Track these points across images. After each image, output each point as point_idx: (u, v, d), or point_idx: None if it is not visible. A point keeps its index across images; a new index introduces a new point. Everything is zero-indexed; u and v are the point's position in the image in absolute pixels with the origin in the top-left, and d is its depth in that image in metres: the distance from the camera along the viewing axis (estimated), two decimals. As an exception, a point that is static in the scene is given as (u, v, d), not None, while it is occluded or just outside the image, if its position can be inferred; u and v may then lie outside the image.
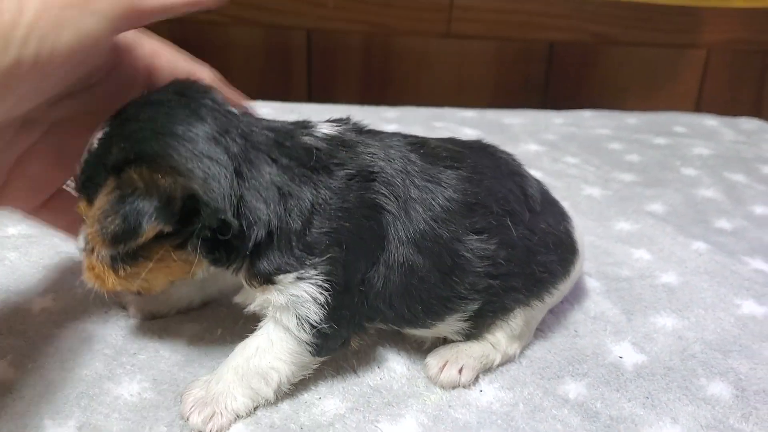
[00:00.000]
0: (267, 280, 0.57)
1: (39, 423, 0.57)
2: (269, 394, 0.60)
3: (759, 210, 1.08)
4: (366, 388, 0.65)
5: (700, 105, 1.78)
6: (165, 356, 0.66)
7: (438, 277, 0.62)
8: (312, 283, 0.57)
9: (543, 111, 1.46)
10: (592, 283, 0.83)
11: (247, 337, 0.62)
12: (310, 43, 1.64)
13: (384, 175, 0.60)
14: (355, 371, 0.66)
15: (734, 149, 1.33)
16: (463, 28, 1.64)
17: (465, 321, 0.66)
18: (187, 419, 0.58)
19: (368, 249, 0.59)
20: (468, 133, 1.30)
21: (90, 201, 0.53)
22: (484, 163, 0.67)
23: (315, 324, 0.58)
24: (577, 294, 0.81)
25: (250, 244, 0.55)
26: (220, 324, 0.71)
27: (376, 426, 0.60)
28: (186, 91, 0.57)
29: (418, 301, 0.62)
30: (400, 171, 0.61)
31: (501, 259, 0.63)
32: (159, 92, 0.57)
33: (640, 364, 0.71)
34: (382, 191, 0.60)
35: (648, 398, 0.66)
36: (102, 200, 0.50)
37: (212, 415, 0.58)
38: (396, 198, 0.60)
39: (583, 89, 1.74)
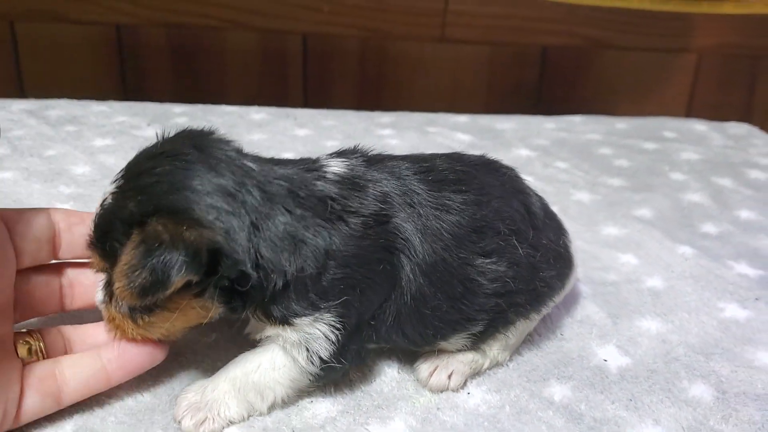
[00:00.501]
0: (282, 322, 0.58)
1: (36, 425, 0.58)
2: (263, 408, 0.62)
3: (745, 214, 1.10)
4: (357, 392, 0.66)
5: (691, 109, 1.80)
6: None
7: (449, 304, 0.63)
8: (325, 323, 0.59)
9: (535, 116, 1.48)
10: (579, 288, 0.85)
11: (240, 340, 0.64)
12: (305, 48, 1.66)
13: (396, 216, 0.61)
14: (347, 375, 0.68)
15: (722, 154, 1.35)
16: (457, 32, 1.66)
17: (468, 338, 0.68)
18: (180, 422, 0.60)
19: (381, 289, 0.61)
20: (461, 138, 1.31)
21: (105, 256, 0.55)
22: (490, 183, 0.68)
23: (324, 359, 0.60)
24: (565, 298, 0.82)
25: (268, 293, 0.56)
26: (215, 328, 0.72)
27: (365, 428, 0.62)
28: (202, 144, 0.57)
29: (430, 327, 0.64)
30: (410, 204, 0.62)
31: (508, 278, 0.65)
32: (173, 143, 0.57)
33: (624, 366, 0.73)
34: (395, 232, 0.61)
35: (631, 400, 0.68)
36: (129, 255, 0.50)
37: (204, 420, 0.59)
38: (408, 237, 0.61)
39: (575, 93, 1.76)
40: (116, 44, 1.60)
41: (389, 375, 0.69)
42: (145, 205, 0.53)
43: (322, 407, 0.64)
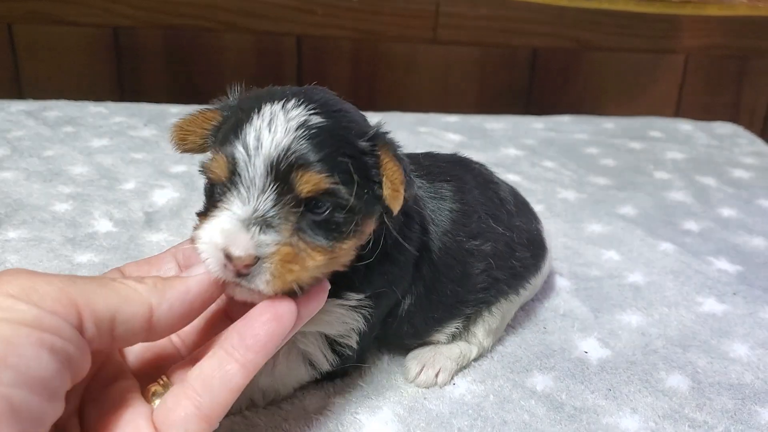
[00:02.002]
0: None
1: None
2: (260, 401, 0.65)
3: (726, 212, 1.13)
4: (347, 382, 0.69)
5: (679, 108, 1.83)
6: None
7: (451, 288, 0.69)
8: (361, 315, 0.62)
9: (524, 116, 1.51)
10: (562, 283, 0.88)
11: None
12: (300, 49, 1.68)
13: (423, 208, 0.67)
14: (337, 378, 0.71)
15: (707, 153, 1.38)
16: (448, 34, 1.69)
17: (459, 324, 0.73)
18: None
19: (407, 284, 0.66)
20: (451, 138, 1.34)
21: (331, 171, 0.52)
22: (465, 175, 0.74)
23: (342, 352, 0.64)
24: (548, 293, 0.86)
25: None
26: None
27: (355, 416, 0.65)
28: None
29: (436, 313, 0.69)
30: (424, 198, 0.68)
31: (491, 257, 0.71)
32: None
33: (604, 358, 0.76)
34: (422, 231, 0.66)
35: (610, 390, 0.71)
36: (396, 166, 0.55)
37: None
38: (427, 232, 0.66)
39: (565, 94, 1.79)
40: (113, 46, 1.63)
41: (379, 366, 0.72)
42: (361, 127, 0.56)
43: (315, 397, 0.67)
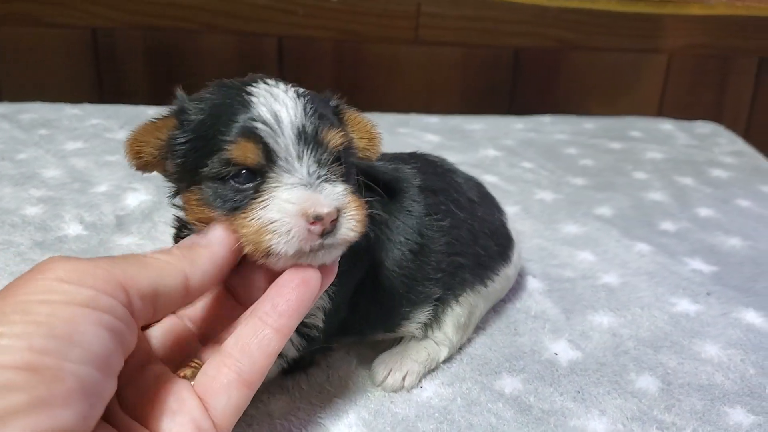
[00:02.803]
0: None
1: None
2: None
3: (704, 212, 1.13)
4: (313, 385, 0.69)
5: (662, 108, 1.83)
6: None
7: (411, 258, 0.69)
8: (325, 292, 0.62)
9: (504, 117, 1.51)
10: (535, 284, 0.88)
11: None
12: (281, 50, 1.68)
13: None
14: (304, 371, 0.70)
15: (686, 153, 1.38)
16: (430, 34, 1.69)
17: (427, 312, 0.72)
18: None
19: (367, 260, 0.67)
20: (430, 139, 1.34)
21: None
22: (425, 165, 0.76)
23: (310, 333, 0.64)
24: (520, 294, 0.85)
25: None
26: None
27: (319, 421, 0.64)
28: None
29: (397, 293, 0.69)
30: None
31: (453, 237, 0.71)
32: None
33: (574, 360, 0.75)
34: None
35: (579, 392, 0.71)
36: (365, 119, 0.62)
37: None
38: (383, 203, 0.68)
39: (548, 94, 1.78)
40: (93, 47, 1.62)
41: (345, 370, 0.71)
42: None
43: (279, 401, 0.66)
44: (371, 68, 1.71)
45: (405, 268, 0.68)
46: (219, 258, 0.53)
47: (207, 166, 0.53)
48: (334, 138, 0.54)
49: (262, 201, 0.52)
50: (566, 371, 0.73)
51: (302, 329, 0.64)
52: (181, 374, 0.53)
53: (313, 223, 0.51)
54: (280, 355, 0.63)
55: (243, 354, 0.51)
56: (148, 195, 1.01)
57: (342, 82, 1.72)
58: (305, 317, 0.61)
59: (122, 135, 1.17)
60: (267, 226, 0.51)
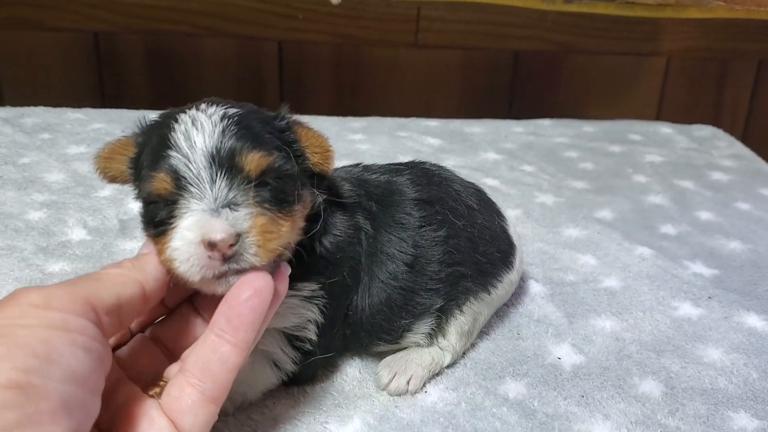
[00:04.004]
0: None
1: None
2: (229, 409, 0.65)
3: (704, 216, 1.13)
4: (318, 391, 0.69)
5: (661, 111, 1.84)
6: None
7: (406, 270, 0.69)
8: (316, 305, 0.63)
9: (504, 120, 1.51)
10: (537, 288, 0.88)
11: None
12: (281, 54, 1.68)
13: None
14: (306, 384, 0.70)
15: (686, 156, 1.39)
16: (430, 38, 1.69)
17: (430, 322, 0.72)
18: None
19: (358, 271, 0.67)
20: (431, 143, 1.34)
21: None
22: (421, 174, 0.76)
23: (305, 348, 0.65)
24: (523, 298, 0.86)
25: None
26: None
27: (324, 427, 0.64)
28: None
29: (396, 305, 0.69)
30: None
31: (451, 247, 0.71)
32: None
33: (577, 364, 0.76)
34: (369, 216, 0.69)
35: (583, 397, 0.71)
36: (317, 133, 0.61)
37: None
38: (375, 218, 0.69)
39: (547, 97, 1.79)
40: (94, 51, 1.62)
41: (350, 375, 0.72)
42: (269, 112, 0.62)
43: (284, 406, 0.66)
44: (371, 72, 1.72)
45: (401, 281, 0.69)
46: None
47: (139, 192, 0.57)
48: (253, 161, 0.54)
49: (172, 228, 0.53)
50: (570, 375, 0.74)
51: (295, 342, 0.64)
52: (151, 393, 0.55)
53: (211, 250, 0.51)
54: (278, 368, 0.65)
55: (204, 373, 0.52)
56: (151, 200, 1.01)
57: (342, 85, 1.73)
58: (296, 331, 0.63)
59: (124, 139, 1.18)
60: (172, 253, 0.53)
